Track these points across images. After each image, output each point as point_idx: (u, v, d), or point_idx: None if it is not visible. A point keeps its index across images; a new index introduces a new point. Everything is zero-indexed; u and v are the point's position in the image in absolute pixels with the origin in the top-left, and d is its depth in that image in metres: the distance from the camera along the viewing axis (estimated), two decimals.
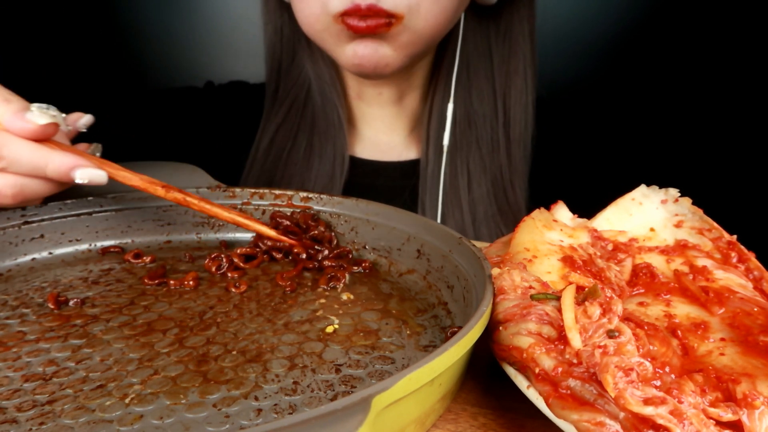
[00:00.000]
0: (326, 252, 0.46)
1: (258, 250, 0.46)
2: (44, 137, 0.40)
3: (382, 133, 0.74)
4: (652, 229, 0.42)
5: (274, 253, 0.46)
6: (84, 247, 0.47)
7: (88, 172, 0.41)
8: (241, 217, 0.46)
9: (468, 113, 0.70)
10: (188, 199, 0.45)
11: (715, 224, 0.40)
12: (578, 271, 0.36)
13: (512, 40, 0.70)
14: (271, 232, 0.46)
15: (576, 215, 0.44)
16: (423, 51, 0.63)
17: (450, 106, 0.68)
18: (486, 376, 0.34)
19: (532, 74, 0.71)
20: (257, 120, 0.74)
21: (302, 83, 0.72)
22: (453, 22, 0.63)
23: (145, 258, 0.45)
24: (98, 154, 0.45)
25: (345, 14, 0.55)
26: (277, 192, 0.50)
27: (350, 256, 0.46)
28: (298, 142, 0.71)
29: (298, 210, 0.49)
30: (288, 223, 0.47)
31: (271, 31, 0.72)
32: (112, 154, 0.55)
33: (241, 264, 0.44)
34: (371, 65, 0.60)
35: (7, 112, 0.39)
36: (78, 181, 0.41)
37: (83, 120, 0.46)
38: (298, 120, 0.72)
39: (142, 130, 0.74)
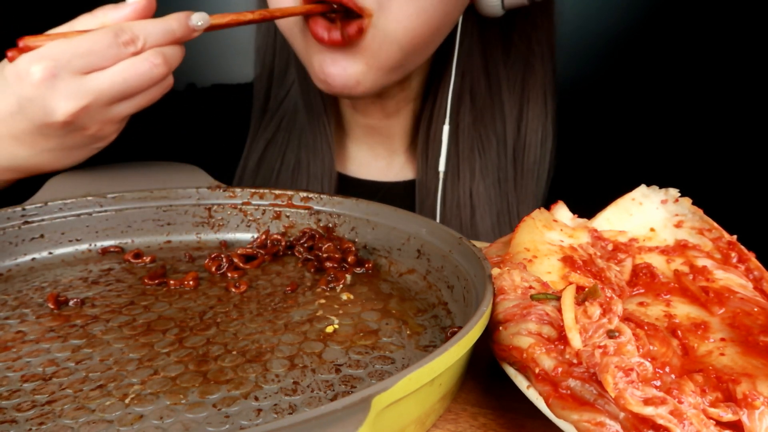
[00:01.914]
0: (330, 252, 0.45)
1: (259, 250, 0.46)
2: (151, 6, 0.46)
3: (379, 149, 0.70)
4: (652, 229, 0.42)
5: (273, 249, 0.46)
6: (84, 247, 0.47)
7: (198, 15, 0.47)
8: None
9: (471, 139, 0.64)
10: (271, 10, 0.50)
11: (715, 224, 0.40)
12: (578, 271, 0.36)
13: (527, 61, 0.63)
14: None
15: (576, 215, 0.44)
16: (403, 64, 0.54)
17: (445, 129, 0.62)
18: (486, 376, 0.34)
19: (552, 99, 0.65)
20: (241, 124, 0.70)
21: (294, 94, 0.67)
22: (438, 30, 0.55)
23: (145, 258, 0.45)
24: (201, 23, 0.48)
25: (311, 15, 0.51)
26: (277, 192, 0.50)
27: (357, 255, 0.46)
28: (287, 160, 0.67)
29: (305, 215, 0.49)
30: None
31: (263, 35, 0.68)
32: (111, 156, 0.55)
33: (241, 264, 0.44)
34: (339, 85, 0.53)
35: (107, 8, 0.45)
36: (197, 23, 0.46)
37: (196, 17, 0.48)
38: (287, 135, 0.67)
39: (140, 133, 0.72)
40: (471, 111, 0.64)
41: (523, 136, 0.65)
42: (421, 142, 0.66)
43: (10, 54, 0.43)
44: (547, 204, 0.68)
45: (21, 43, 0.43)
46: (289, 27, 0.55)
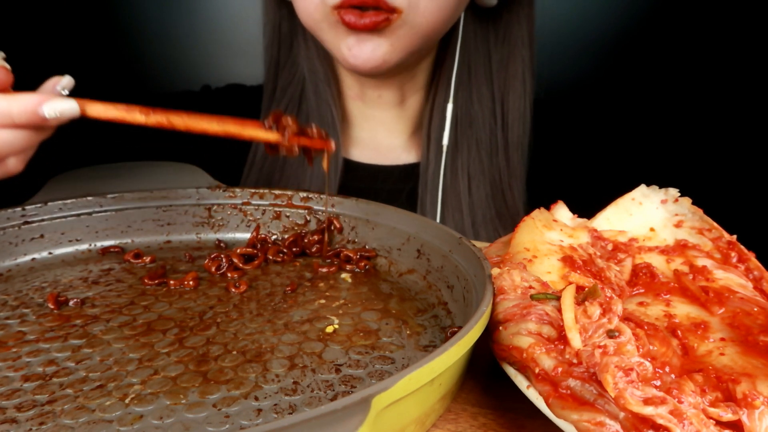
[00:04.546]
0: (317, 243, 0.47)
1: (257, 250, 0.46)
2: (4, 78, 0.38)
3: (382, 135, 0.74)
4: (652, 229, 0.42)
5: (275, 257, 0.46)
6: (84, 247, 0.47)
7: (57, 104, 0.38)
8: (232, 124, 0.42)
9: (469, 115, 0.70)
10: (171, 118, 0.41)
11: (715, 224, 0.40)
12: (578, 271, 0.36)
13: (511, 43, 0.69)
14: (271, 135, 0.42)
15: (576, 215, 0.44)
16: (421, 48, 0.62)
17: (449, 106, 0.68)
18: (486, 376, 0.34)
19: (530, 78, 0.71)
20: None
21: (298, 81, 0.71)
22: (452, 20, 0.62)
23: (145, 258, 0.45)
24: (67, 93, 0.41)
25: (342, 6, 0.55)
26: (277, 192, 0.50)
27: (341, 255, 0.46)
28: None
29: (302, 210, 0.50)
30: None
31: (270, 29, 0.71)
32: (111, 156, 0.55)
33: (241, 264, 0.44)
34: (368, 65, 0.59)
35: None
36: (48, 115, 0.38)
37: (62, 82, 0.41)
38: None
39: (140, 133, 0.73)
40: (468, 90, 0.70)
41: (507, 112, 0.71)
42: (425, 124, 0.70)
43: None
44: (532, 182, 0.72)
45: None
46: (317, 22, 0.59)
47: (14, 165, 0.41)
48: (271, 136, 0.43)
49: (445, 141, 0.68)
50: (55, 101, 0.38)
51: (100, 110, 0.40)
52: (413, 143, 0.74)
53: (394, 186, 0.72)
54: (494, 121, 0.70)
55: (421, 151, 0.71)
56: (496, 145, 0.70)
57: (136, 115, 0.40)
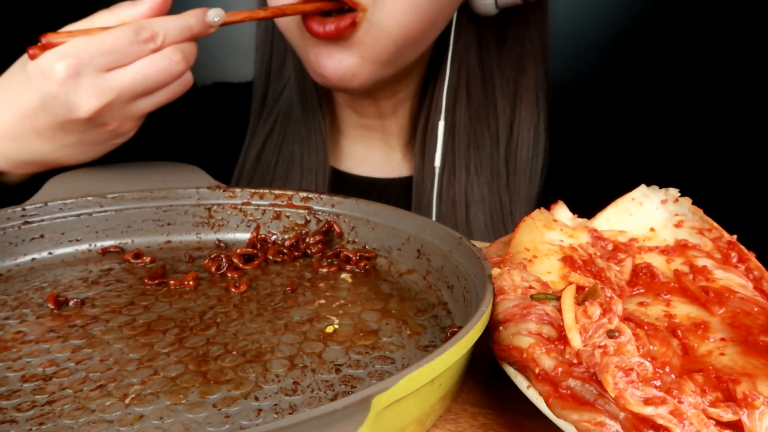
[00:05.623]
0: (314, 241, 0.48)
1: (257, 250, 0.46)
2: (167, 3, 0.47)
3: (375, 145, 0.71)
4: (652, 229, 0.42)
5: (275, 257, 0.46)
6: (84, 247, 0.47)
7: (214, 11, 0.47)
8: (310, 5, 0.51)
9: (467, 136, 0.65)
10: (283, 8, 0.51)
11: (715, 224, 0.40)
12: (578, 271, 0.36)
13: (520, 61, 0.64)
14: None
15: (576, 215, 0.44)
16: (397, 58, 0.56)
17: (441, 124, 0.62)
18: (486, 376, 0.34)
19: (543, 99, 0.66)
20: (241, 122, 0.71)
21: (290, 86, 0.68)
22: (431, 25, 0.56)
23: (145, 258, 0.45)
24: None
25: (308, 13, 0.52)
26: (277, 192, 0.50)
27: (340, 255, 0.46)
28: (284, 154, 0.68)
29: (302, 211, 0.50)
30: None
31: (263, 29, 0.69)
32: (111, 156, 0.55)
33: (241, 264, 0.44)
34: (335, 78, 0.54)
35: (125, 5, 0.45)
36: (213, 19, 0.47)
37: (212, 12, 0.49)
38: (284, 130, 0.68)
39: (140, 133, 0.72)
40: (467, 109, 0.64)
41: (515, 136, 0.65)
42: (418, 138, 0.66)
43: (31, 51, 0.44)
44: (542, 203, 0.69)
45: (43, 40, 0.44)
46: (286, 23, 0.56)
47: (191, 77, 0.49)
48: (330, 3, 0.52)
49: (437, 162, 0.63)
50: (212, 10, 0.47)
51: (234, 15, 0.50)
52: (408, 154, 0.70)
53: (388, 201, 0.69)
54: (497, 144, 0.65)
55: (414, 171, 0.67)
56: (498, 170, 0.65)
57: (259, 13, 0.51)
